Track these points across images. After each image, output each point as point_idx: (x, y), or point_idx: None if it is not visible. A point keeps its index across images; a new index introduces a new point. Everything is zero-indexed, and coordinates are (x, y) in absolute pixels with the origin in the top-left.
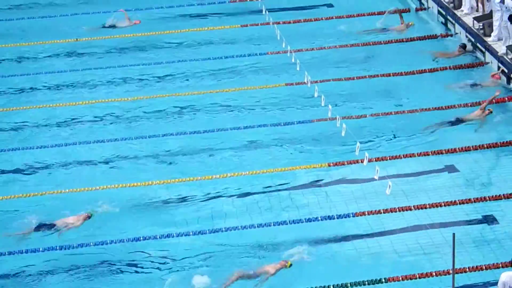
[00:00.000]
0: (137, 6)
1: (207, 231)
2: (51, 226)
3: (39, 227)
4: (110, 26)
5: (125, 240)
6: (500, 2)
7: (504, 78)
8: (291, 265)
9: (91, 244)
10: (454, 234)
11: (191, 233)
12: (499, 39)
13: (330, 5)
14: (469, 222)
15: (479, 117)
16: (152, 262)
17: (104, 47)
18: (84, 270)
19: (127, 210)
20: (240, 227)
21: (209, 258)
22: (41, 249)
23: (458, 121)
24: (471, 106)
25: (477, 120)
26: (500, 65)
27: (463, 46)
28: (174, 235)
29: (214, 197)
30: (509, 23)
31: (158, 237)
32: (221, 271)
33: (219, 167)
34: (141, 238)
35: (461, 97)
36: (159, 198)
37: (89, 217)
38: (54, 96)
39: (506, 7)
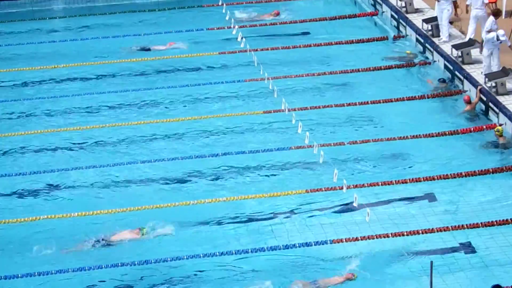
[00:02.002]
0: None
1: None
2: (106, 241)
3: (96, 242)
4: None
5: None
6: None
7: (482, 106)
8: (356, 277)
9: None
10: (432, 262)
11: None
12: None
13: (307, 33)
14: (447, 250)
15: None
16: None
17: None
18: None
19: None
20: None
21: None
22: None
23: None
24: (450, 134)
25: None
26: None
27: (443, 81)
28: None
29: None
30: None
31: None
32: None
33: (194, 194)
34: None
35: (443, 124)
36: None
37: (143, 233)
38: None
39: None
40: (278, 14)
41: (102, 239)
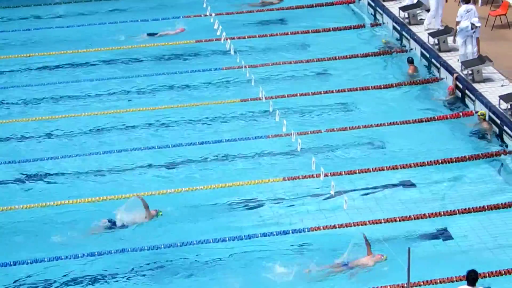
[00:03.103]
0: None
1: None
2: (121, 224)
3: (110, 223)
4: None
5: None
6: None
7: (458, 94)
8: (386, 258)
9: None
10: (409, 248)
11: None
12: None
13: (284, 21)
14: (424, 237)
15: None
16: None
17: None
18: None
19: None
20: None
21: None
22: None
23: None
24: (426, 121)
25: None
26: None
27: (411, 61)
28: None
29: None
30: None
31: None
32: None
33: (173, 182)
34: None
35: (419, 111)
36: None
37: (157, 214)
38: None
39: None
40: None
41: (116, 222)
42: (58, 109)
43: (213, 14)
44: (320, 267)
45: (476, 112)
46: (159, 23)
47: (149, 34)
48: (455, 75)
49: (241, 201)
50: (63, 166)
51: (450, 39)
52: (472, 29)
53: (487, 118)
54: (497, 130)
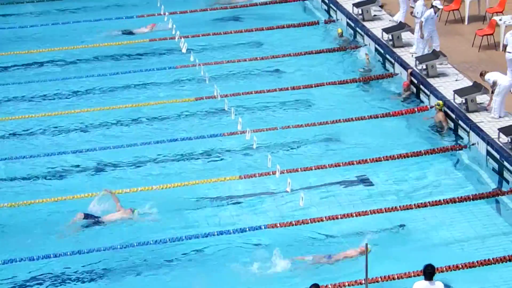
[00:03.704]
0: None
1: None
2: (97, 220)
3: (86, 220)
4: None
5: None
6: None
7: (413, 89)
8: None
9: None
10: (367, 244)
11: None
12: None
13: (238, 18)
14: (382, 232)
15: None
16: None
17: None
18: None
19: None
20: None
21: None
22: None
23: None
24: (382, 117)
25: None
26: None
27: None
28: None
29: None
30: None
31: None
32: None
33: (126, 182)
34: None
35: (375, 107)
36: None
37: (133, 212)
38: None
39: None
40: None
41: (96, 220)
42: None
43: (166, 13)
44: (303, 258)
45: (432, 106)
46: (112, 22)
47: (125, 32)
48: (409, 70)
49: (198, 199)
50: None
51: (404, 35)
52: (435, 12)
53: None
54: (452, 124)
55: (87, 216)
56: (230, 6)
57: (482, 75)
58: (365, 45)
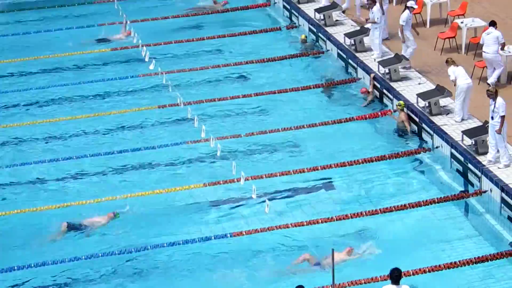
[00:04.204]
0: None
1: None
2: (80, 226)
3: (69, 228)
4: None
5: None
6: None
7: (376, 93)
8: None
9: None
10: (333, 249)
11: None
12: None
13: (200, 26)
14: (347, 238)
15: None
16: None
17: None
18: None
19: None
20: None
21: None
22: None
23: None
24: (345, 121)
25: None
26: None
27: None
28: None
29: None
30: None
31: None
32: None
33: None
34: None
35: (338, 112)
36: None
37: (114, 216)
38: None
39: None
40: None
41: (78, 225)
42: None
43: (128, 22)
44: (289, 266)
45: (395, 110)
46: (73, 31)
47: (99, 40)
48: (372, 75)
49: (161, 208)
50: None
51: (366, 39)
52: (411, 12)
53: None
54: (415, 127)
55: (70, 225)
56: (191, 14)
57: (448, 62)
58: (328, 50)
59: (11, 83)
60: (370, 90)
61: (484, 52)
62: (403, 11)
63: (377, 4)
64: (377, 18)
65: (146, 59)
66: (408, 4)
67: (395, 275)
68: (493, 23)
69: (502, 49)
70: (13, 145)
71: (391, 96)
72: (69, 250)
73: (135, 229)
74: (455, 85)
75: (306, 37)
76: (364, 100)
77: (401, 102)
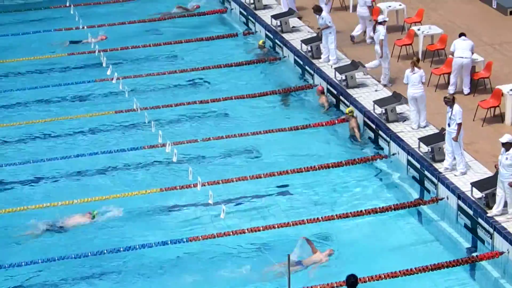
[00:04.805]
0: None
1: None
2: (58, 225)
3: (48, 226)
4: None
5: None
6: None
7: (333, 100)
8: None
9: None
10: (289, 255)
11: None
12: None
13: (156, 31)
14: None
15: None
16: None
17: None
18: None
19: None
20: None
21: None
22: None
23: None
24: (302, 128)
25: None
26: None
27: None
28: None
29: None
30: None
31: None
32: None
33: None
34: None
35: (295, 119)
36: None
37: (93, 217)
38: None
39: None
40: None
41: (55, 225)
42: None
43: (85, 27)
44: (273, 267)
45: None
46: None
47: (72, 42)
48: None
49: (120, 213)
50: None
51: (322, 46)
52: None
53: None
54: (372, 133)
55: (48, 224)
56: (148, 19)
57: (413, 63)
58: (285, 57)
59: None
60: (323, 102)
61: (460, 57)
62: (375, 26)
63: (324, 9)
64: (329, 22)
65: (104, 65)
66: (380, 19)
67: (351, 282)
68: (463, 34)
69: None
70: None
71: (347, 103)
72: (45, 250)
73: (87, 234)
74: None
75: (264, 42)
76: (322, 107)
77: (350, 108)
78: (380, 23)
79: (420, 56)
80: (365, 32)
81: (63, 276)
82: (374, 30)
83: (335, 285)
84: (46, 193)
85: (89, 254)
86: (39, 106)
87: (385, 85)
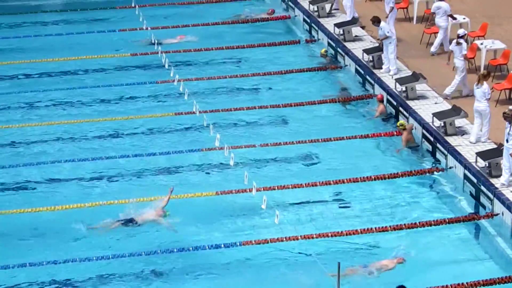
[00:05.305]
0: None
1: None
2: (131, 220)
3: (122, 221)
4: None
5: None
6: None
7: (392, 110)
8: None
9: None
10: (339, 263)
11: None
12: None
13: (220, 36)
14: (356, 253)
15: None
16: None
17: None
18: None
19: None
20: None
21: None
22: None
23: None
24: (360, 138)
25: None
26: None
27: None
28: None
29: None
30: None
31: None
32: None
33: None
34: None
35: (354, 128)
36: None
37: (165, 214)
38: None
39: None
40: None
41: (129, 220)
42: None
43: (149, 28)
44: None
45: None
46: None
47: (153, 43)
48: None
49: (173, 215)
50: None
51: (383, 56)
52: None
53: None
54: (430, 146)
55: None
56: (211, 23)
57: (479, 77)
58: (346, 65)
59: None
60: (380, 110)
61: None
62: (458, 42)
63: (390, 19)
64: (388, 32)
65: (166, 66)
66: (461, 33)
67: None
68: None
69: None
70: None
71: (406, 114)
72: (116, 245)
73: (144, 233)
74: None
75: (326, 51)
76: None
77: (401, 121)
78: (462, 37)
79: (481, 70)
80: (441, 44)
81: (111, 272)
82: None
83: None
84: (108, 191)
85: (143, 253)
86: (100, 106)
87: (446, 97)
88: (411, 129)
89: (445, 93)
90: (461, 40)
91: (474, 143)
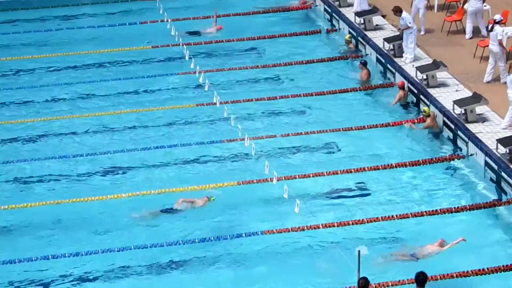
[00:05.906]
0: None
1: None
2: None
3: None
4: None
5: None
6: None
7: (413, 98)
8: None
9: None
10: (359, 250)
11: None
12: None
13: (240, 26)
14: (377, 240)
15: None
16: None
17: None
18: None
19: None
20: None
21: None
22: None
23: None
24: (381, 127)
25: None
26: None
27: (364, 63)
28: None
29: None
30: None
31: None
32: None
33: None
34: None
35: (374, 116)
36: None
37: (209, 200)
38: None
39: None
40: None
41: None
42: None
43: (169, 20)
44: (387, 257)
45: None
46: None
47: (190, 33)
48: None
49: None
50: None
51: (403, 45)
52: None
53: (436, 115)
54: (450, 134)
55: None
56: (232, 14)
57: None
58: (367, 54)
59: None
60: (400, 96)
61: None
62: (494, 27)
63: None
64: (409, 23)
65: (187, 58)
66: (497, 18)
67: (421, 279)
68: None
69: None
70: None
71: (427, 102)
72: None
73: (164, 222)
74: None
75: (350, 37)
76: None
77: (425, 108)
78: (497, 23)
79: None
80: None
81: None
82: (488, 29)
83: (406, 282)
84: (127, 182)
85: (164, 244)
86: (121, 97)
87: (505, 83)
88: (434, 116)
89: (503, 82)
90: (496, 26)
91: (504, 129)
